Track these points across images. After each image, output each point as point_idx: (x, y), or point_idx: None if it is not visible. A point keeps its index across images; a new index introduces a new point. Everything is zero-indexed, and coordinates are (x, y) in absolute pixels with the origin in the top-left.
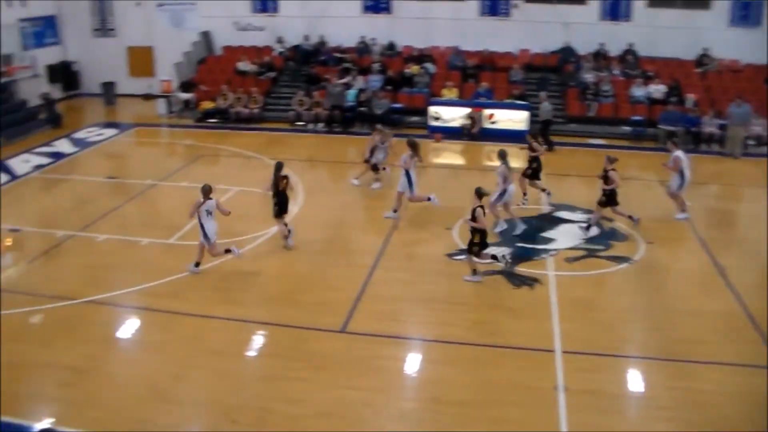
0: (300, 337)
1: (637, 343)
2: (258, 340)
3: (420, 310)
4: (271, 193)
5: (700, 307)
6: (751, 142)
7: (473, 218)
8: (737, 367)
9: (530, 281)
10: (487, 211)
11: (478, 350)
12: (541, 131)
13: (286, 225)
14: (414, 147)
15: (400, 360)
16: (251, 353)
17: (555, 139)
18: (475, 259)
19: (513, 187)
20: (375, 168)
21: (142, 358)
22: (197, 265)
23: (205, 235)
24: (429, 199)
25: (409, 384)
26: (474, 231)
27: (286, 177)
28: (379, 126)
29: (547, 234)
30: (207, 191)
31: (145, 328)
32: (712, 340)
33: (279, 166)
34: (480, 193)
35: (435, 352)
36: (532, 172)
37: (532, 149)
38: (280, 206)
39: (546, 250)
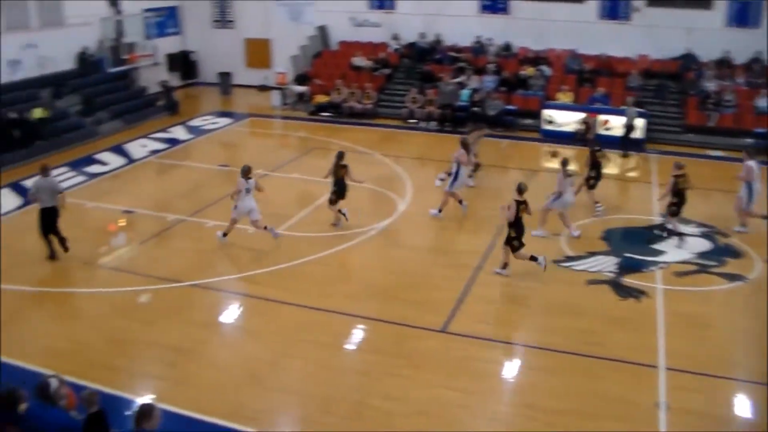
0: (401, 334)
1: (744, 365)
2: (358, 334)
3: (522, 315)
4: (331, 180)
5: None
6: None
7: (509, 208)
8: None
9: (637, 293)
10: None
11: (578, 359)
12: (623, 135)
13: (339, 211)
14: (466, 146)
15: (499, 363)
16: (351, 347)
17: (670, 149)
18: (513, 254)
19: (570, 198)
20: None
21: (243, 343)
22: (225, 235)
23: (235, 208)
24: (440, 210)
25: (505, 388)
26: (509, 225)
27: (345, 166)
28: (474, 126)
29: (657, 246)
30: (246, 171)
31: (247, 315)
32: None
33: (340, 155)
34: (519, 189)
35: (534, 358)
36: (593, 183)
37: (594, 159)
38: (337, 193)
39: (655, 263)
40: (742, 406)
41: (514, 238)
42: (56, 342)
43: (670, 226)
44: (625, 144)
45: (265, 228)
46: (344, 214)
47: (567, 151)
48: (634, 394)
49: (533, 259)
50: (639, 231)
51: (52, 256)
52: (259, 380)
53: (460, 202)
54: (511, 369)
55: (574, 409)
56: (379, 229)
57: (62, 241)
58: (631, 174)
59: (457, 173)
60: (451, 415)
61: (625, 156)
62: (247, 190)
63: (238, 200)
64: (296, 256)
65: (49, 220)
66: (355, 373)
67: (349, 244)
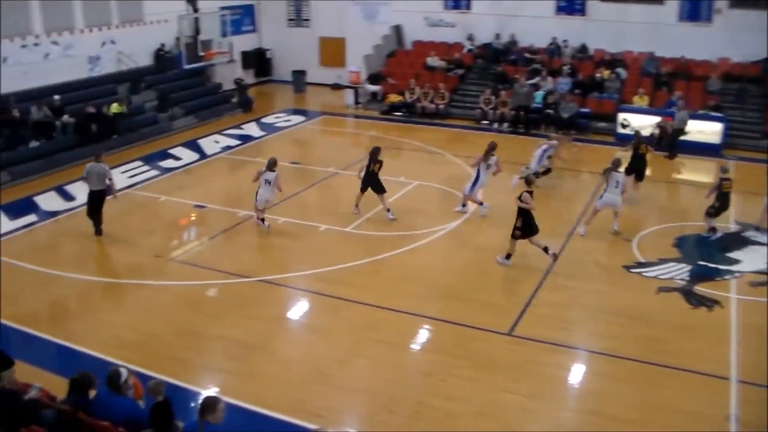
0: (466, 336)
1: None
2: (424, 334)
3: (589, 321)
4: (362, 174)
5: None
6: None
7: (521, 200)
8: None
9: (709, 302)
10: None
11: (646, 368)
12: (671, 137)
13: (358, 203)
14: (489, 150)
15: (564, 369)
16: (416, 347)
17: (750, 155)
18: (511, 239)
19: (612, 198)
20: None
21: (309, 340)
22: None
23: (256, 199)
24: (481, 204)
25: (569, 394)
26: (518, 214)
27: (380, 162)
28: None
29: (732, 254)
30: (271, 164)
31: (314, 312)
32: None
33: (376, 151)
34: (528, 180)
35: (600, 364)
36: (636, 173)
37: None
38: (365, 184)
39: (729, 271)
40: None
41: (518, 228)
42: (125, 332)
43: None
44: (671, 147)
45: (262, 220)
46: (356, 206)
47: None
48: (704, 406)
49: (508, 256)
50: (713, 239)
51: (97, 232)
52: (324, 377)
53: (481, 203)
54: (576, 375)
55: (640, 419)
56: (449, 229)
57: (98, 224)
58: (705, 180)
59: (477, 177)
60: (513, 418)
61: (671, 158)
62: (267, 182)
63: (259, 190)
64: (365, 255)
65: (94, 202)
66: (419, 373)
67: (418, 244)
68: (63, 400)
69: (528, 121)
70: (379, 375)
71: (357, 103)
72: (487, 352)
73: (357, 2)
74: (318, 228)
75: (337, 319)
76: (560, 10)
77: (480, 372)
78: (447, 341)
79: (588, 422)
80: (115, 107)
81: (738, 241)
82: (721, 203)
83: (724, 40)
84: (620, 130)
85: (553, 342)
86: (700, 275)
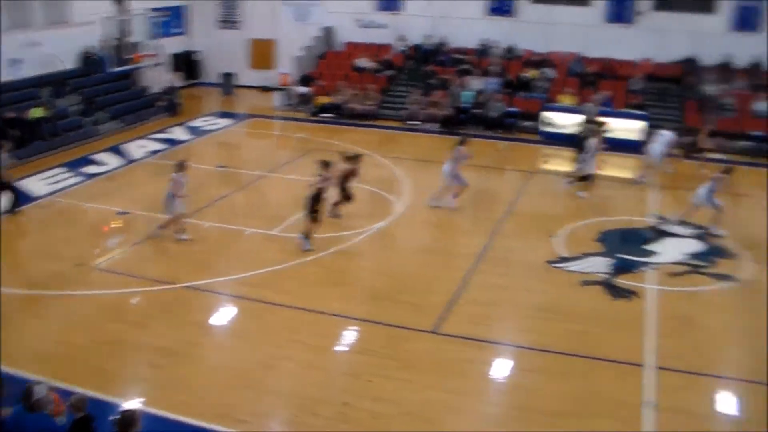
0: (392, 336)
1: (733, 364)
2: (349, 335)
3: (514, 316)
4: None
5: None
6: None
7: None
8: None
9: (628, 293)
10: None
11: (570, 360)
12: None
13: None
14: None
15: (490, 365)
16: (342, 348)
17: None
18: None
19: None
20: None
21: (234, 345)
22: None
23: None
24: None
25: (496, 389)
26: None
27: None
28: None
29: (650, 247)
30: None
31: (239, 317)
32: None
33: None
34: (325, 163)
35: (526, 359)
36: None
37: None
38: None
39: (647, 263)
40: (730, 404)
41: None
42: (45, 345)
43: None
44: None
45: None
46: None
47: (565, 153)
48: (625, 394)
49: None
50: (634, 232)
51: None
52: (248, 382)
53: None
54: (502, 370)
55: (565, 410)
56: (375, 230)
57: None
58: (628, 176)
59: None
60: (441, 417)
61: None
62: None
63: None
64: (291, 258)
65: None
66: (344, 374)
67: (345, 245)
68: None
69: (457, 121)
70: (305, 377)
71: (287, 105)
72: (413, 351)
73: (288, 3)
74: (244, 232)
75: (263, 323)
76: (491, 11)
77: (407, 372)
78: (374, 342)
79: (515, 417)
80: (36, 112)
81: (657, 233)
82: None
83: (647, 41)
84: (545, 129)
85: (479, 339)
86: (621, 268)
